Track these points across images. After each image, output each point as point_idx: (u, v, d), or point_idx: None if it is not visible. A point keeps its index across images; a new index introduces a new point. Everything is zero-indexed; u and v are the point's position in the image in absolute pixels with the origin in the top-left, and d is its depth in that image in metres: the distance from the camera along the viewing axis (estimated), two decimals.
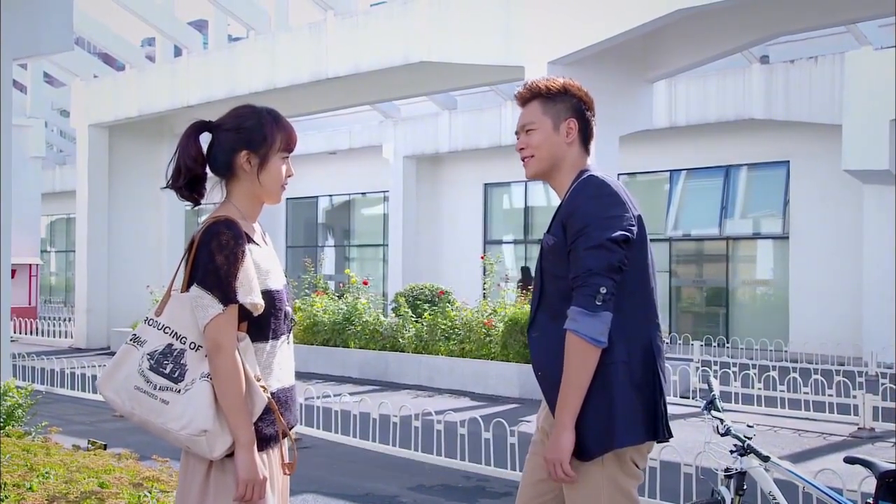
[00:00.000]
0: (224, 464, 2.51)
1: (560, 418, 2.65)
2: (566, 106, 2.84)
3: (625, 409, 2.67)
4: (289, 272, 22.48)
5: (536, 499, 2.88)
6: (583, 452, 2.67)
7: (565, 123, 2.83)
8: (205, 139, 2.70)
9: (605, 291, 2.61)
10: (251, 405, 2.51)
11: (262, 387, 2.55)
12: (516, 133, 2.93)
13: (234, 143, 2.63)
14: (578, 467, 2.69)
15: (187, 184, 2.64)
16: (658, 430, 2.73)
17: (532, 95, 2.87)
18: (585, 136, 2.87)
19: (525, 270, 17.57)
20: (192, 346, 2.52)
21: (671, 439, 2.82)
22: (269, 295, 2.59)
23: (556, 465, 2.65)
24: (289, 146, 2.68)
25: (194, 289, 2.51)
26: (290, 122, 2.73)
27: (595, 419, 2.65)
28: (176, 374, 2.50)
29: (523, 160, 2.89)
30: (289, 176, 2.71)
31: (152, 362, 2.51)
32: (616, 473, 2.72)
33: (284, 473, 2.67)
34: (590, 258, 2.62)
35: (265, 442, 2.56)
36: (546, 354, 2.75)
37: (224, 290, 2.48)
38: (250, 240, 2.60)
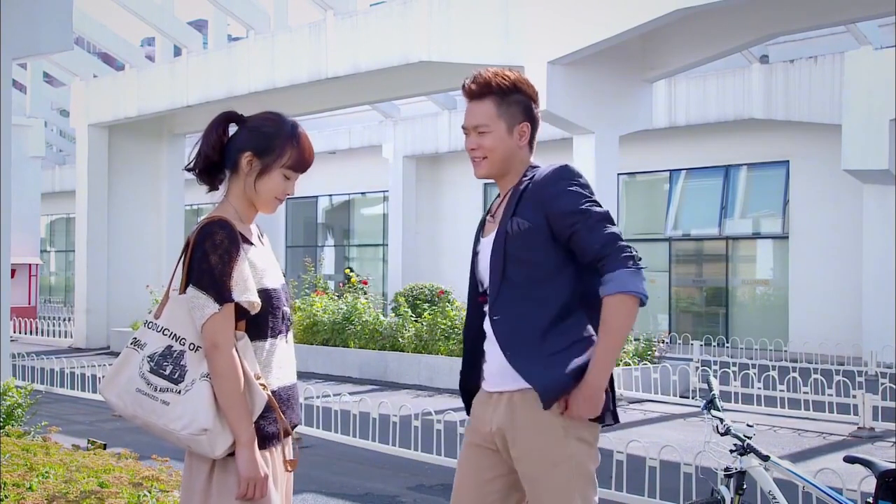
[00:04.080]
0: (226, 463, 2.52)
1: (599, 377, 2.65)
2: (519, 109, 2.84)
3: (613, 390, 2.78)
4: (289, 272, 22.49)
5: (481, 499, 2.86)
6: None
7: (519, 127, 2.85)
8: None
9: (636, 253, 2.69)
10: (251, 403, 2.52)
11: (262, 385, 2.55)
12: (464, 129, 2.91)
13: (245, 141, 2.66)
14: (548, 454, 2.70)
15: (205, 169, 2.68)
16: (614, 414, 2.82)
17: (484, 93, 2.85)
18: (533, 133, 2.90)
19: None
20: (192, 346, 2.53)
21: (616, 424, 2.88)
22: (265, 294, 2.60)
23: (579, 418, 2.68)
24: (298, 166, 2.68)
25: (190, 289, 2.52)
26: (311, 146, 2.72)
27: None
28: (176, 376, 2.51)
29: (474, 160, 2.89)
30: (287, 195, 2.71)
31: (152, 364, 2.53)
32: (585, 459, 2.75)
33: (287, 470, 2.67)
34: (607, 229, 2.68)
35: (267, 440, 2.57)
36: (514, 334, 2.74)
37: (219, 289, 2.50)
38: (246, 240, 2.61)
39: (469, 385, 2.97)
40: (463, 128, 2.92)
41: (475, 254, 2.95)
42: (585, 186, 2.76)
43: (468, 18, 12.92)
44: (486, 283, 2.85)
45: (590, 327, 2.72)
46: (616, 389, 2.86)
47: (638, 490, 6.02)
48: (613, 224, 2.70)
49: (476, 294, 2.93)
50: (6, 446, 5.54)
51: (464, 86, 2.89)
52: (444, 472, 7.14)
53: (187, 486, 2.59)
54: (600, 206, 2.73)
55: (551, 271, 2.73)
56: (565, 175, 2.77)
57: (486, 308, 2.84)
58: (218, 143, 2.68)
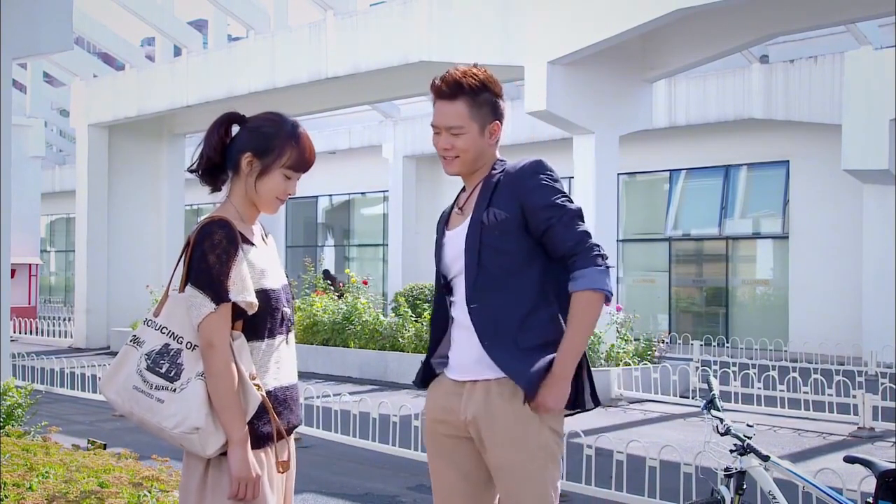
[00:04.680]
0: (221, 462, 2.52)
1: (566, 369, 2.73)
2: (490, 109, 2.88)
3: (589, 375, 2.85)
4: (289, 272, 22.46)
5: (467, 489, 2.88)
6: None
7: (490, 126, 2.88)
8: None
9: (604, 252, 2.78)
10: (245, 403, 2.52)
11: (257, 385, 2.55)
12: (434, 127, 2.90)
13: (246, 142, 2.66)
14: (524, 444, 2.74)
15: (207, 170, 2.69)
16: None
17: (455, 93, 2.85)
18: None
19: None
20: (189, 345, 2.54)
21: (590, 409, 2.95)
22: (264, 294, 2.60)
23: (547, 410, 2.73)
24: (299, 166, 2.68)
25: (188, 288, 2.53)
26: (311, 146, 2.71)
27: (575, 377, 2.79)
28: (172, 374, 2.51)
29: (445, 158, 2.91)
30: (289, 195, 2.71)
31: (149, 362, 2.53)
32: (555, 448, 2.80)
33: (278, 471, 2.65)
34: (580, 227, 2.77)
35: (261, 440, 2.56)
36: (492, 323, 2.78)
37: (216, 289, 2.50)
38: (246, 240, 2.61)
39: (429, 372, 3.02)
40: (433, 126, 2.92)
41: (440, 246, 2.97)
42: (558, 181, 2.85)
43: (468, 18, 12.92)
44: (451, 274, 2.90)
45: (562, 325, 2.78)
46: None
47: (638, 490, 6.02)
48: (584, 222, 2.80)
49: (440, 286, 2.97)
50: (6, 446, 5.54)
51: (433, 85, 2.89)
52: None
53: (184, 485, 2.60)
54: (572, 201, 2.82)
55: (524, 262, 2.79)
56: (540, 169, 2.83)
57: (452, 298, 2.89)
58: (219, 144, 2.68)
